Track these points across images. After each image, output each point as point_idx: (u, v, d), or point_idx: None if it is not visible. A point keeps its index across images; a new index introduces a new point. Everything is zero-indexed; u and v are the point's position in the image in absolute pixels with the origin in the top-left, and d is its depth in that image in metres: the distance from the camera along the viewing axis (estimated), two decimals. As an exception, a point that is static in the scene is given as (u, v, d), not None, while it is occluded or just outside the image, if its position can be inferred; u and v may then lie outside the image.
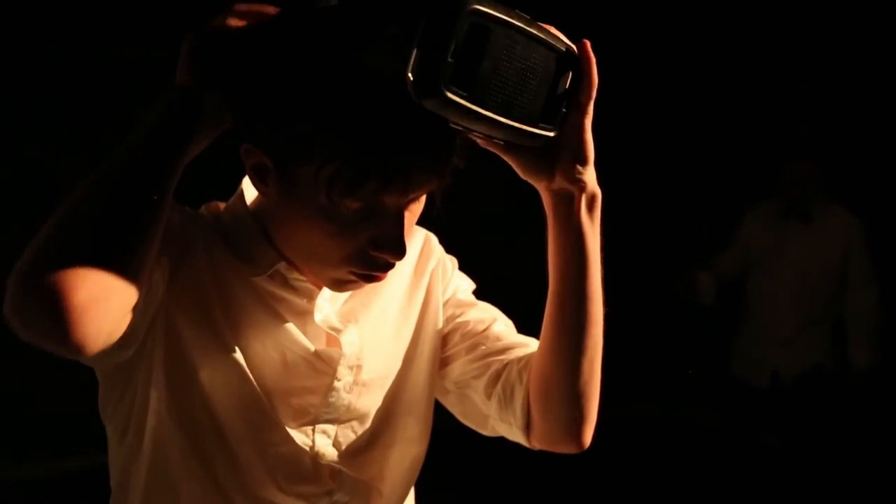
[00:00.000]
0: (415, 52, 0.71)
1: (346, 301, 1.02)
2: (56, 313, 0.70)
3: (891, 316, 3.49)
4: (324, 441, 0.99)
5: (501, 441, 1.12)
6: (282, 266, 0.94)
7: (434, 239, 1.13)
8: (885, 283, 3.43)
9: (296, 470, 0.97)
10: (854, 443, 3.92)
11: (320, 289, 0.97)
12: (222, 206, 1.00)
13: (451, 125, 0.80)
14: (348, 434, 1.01)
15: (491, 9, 0.72)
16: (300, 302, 0.97)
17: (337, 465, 1.00)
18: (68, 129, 3.81)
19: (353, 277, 0.90)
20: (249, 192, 0.97)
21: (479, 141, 0.87)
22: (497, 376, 1.04)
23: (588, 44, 0.83)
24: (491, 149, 0.88)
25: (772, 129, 4.69)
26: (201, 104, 0.84)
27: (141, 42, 3.72)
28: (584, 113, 0.86)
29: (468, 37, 0.71)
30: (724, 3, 4.27)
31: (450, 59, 0.71)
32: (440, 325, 1.09)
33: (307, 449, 0.98)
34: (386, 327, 1.04)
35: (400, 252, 0.88)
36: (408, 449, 1.06)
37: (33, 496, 3.77)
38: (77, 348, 0.72)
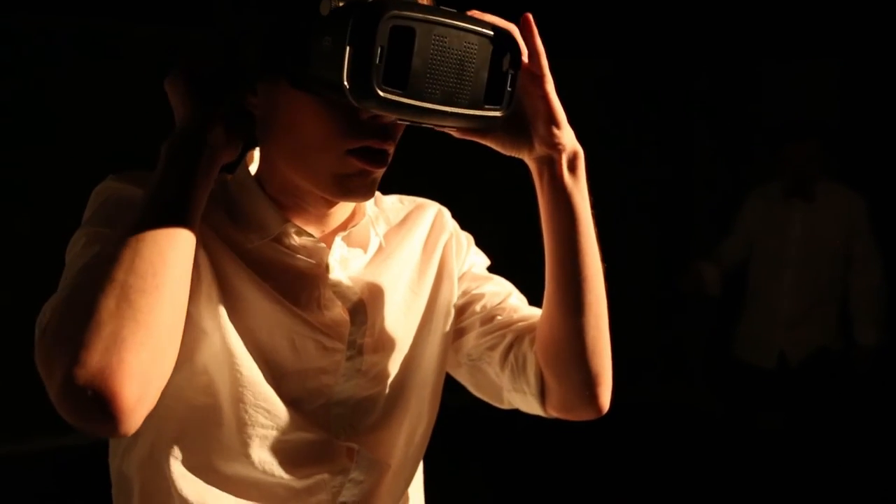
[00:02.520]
0: (346, 60, 0.76)
1: (354, 271, 1.02)
2: (106, 417, 0.72)
3: (895, 293, 3.47)
4: (340, 421, 0.99)
5: (508, 421, 1.11)
6: (289, 226, 0.96)
7: (446, 213, 1.14)
8: (889, 260, 3.41)
9: (310, 454, 0.97)
10: (860, 424, 3.92)
11: (330, 247, 0.98)
12: (230, 177, 1.02)
13: (399, 121, 0.84)
14: (363, 412, 1.01)
15: (410, 10, 0.76)
16: (311, 264, 0.97)
17: (354, 445, 0.99)
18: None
19: (356, 163, 0.89)
20: (253, 165, 1.00)
21: (448, 132, 0.90)
22: (510, 346, 1.04)
23: (528, 17, 0.87)
24: (466, 137, 0.92)
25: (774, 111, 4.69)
26: (211, 134, 0.86)
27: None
28: (543, 80, 0.89)
29: (393, 38, 0.76)
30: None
31: (378, 62, 0.76)
32: (454, 299, 1.09)
33: (323, 431, 0.98)
34: (396, 300, 1.04)
35: None
36: (418, 424, 1.07)
37: (36, 470, 3.81)
38: (123, 436, 0.77)
